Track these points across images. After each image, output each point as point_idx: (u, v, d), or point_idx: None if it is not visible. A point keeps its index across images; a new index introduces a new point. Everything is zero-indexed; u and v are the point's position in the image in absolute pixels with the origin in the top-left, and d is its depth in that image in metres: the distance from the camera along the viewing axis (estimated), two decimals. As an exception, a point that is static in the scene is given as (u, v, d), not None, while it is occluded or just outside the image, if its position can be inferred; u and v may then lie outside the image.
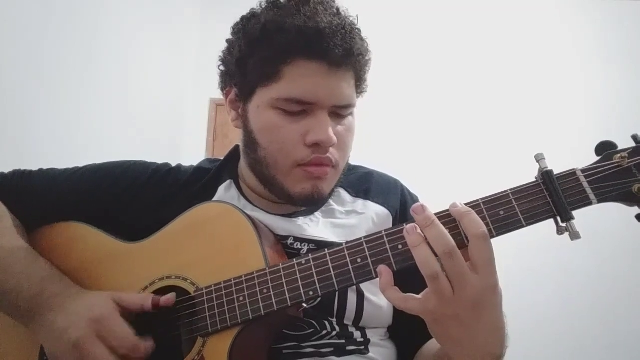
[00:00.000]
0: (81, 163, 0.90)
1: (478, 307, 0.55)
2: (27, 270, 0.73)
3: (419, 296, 0.57)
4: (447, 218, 0.59)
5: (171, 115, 3.02)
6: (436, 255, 0.55)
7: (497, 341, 0.58)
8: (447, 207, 0.61)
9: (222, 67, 0.82)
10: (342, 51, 0.71)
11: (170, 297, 0.69)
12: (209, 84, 0.85)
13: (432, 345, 0.74)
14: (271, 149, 0.74)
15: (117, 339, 0.66)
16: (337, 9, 0.75)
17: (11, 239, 0.77)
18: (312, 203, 0.78)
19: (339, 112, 0.75)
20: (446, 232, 0.55)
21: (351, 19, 0.76)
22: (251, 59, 0.74)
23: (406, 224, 0.62)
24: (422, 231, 0.56)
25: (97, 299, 0.70)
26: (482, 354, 0.58)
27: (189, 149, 3.08)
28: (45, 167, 0.88)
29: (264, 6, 0.76)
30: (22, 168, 0.88)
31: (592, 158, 0.62)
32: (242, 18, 0.79)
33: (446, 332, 0.58)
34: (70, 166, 0.88)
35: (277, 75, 0.72)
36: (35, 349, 0.75)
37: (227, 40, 0.80)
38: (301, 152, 0.73)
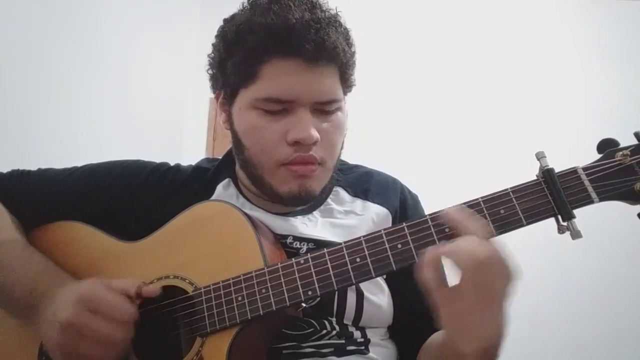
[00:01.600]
0: (81, 163, 0.89)
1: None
2: (24, 267, 0.73)
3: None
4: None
5: (171, 115, 3.01)
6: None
7: (504, 325, 0.58)
8: (443, 207, 0.61)
9: (209, 71, 0.82)
10: (315, 46, 0.69)
11: (154, 289, 0.68)
12: (209, 84, 0.85)
13: (433, 338, 0.75)
14: (254, 149, 0.74)
15: (112, 309, 0.63)
16: (313, 4, 0.73)
17: (8, 236, 0.77)
18: (302, 202, 0.77)
19: (323, 108, 0.73)
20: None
21: (330, 12, 0.74)
22: (229, 62, 0.74)
23: (406, 223, 0.62)
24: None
25: (84, 282, 0.69)
26: (496, 334, 0.58)
27: (189, 149, 3.07)
28: (44, 167, 0.88)
29: (243, 7, 0.76)
30: (22, 168, 0.88)
31: (592, 157, 0.62)
32: (223, 20, 0.78)
33: (467, 317, 0.57)
34: (70, 166, 0.88)
35: (255, 76, 0.71)
36: (35, 350, 0.74)
37: (212, 44, 0.80)
38: (283, 152, 0.72)
